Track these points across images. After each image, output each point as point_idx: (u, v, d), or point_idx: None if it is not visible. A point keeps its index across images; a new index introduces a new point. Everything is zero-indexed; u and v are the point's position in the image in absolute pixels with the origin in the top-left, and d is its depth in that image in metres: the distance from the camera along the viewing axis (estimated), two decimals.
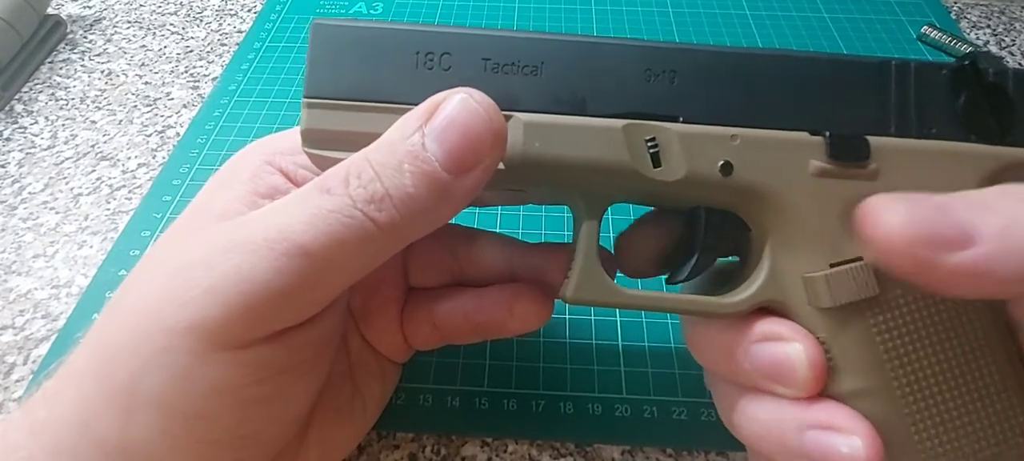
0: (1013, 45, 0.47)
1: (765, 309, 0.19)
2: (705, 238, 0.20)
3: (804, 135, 0.18)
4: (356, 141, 0.17)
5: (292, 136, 0.21)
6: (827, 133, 0.18)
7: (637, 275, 0.22)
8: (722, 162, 0.18)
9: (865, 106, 0.18)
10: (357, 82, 0.18)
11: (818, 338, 0.18)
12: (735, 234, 0.20)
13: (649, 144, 0.18)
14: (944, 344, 0.17)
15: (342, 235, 0.16)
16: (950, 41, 0.44)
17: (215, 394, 0.16)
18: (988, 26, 0.49)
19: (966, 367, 0.17)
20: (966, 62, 0.18)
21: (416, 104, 0.17)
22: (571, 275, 0.19)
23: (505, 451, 0.25)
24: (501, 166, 0.18)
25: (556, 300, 0.23)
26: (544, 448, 0.25)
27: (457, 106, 0.16)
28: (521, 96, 0.18)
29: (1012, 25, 0.49)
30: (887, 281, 0.17)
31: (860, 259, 0.17)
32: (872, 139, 0.18)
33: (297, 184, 0.20)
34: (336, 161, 0.17)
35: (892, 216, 0.14)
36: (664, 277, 0.22)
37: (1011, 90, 0.18)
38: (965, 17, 0.49)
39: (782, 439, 0.17)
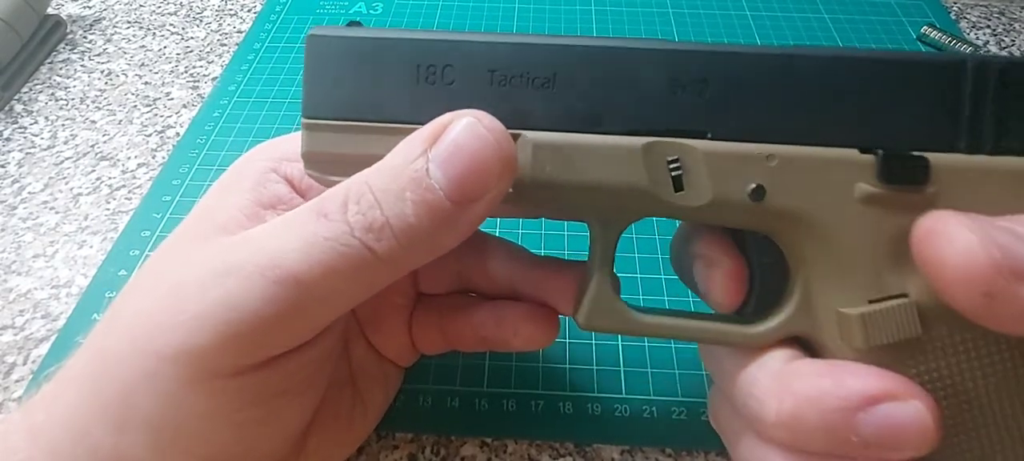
0: (1013, 45, 0.47)
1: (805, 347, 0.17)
2: (758, 259, 0.18)
3: (853, 153, 0.16)
4: (359, 163, 0.16)
5: (298, 141, 0.21)
6: (880, 151, 0.16)
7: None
8: (754, 186, 0.16)
9: (930, 116, 0.16)
10: (356, 100, 0.17)
11: None
12: (776, 254, 0.18)
13: (672, 166, 0.16)
14: (994, 395, 0.15)
15: (337, 265, 0.15)
16: (950, 41, 0.44)
17: (207, 417, 0.16)
18: (988, 26, 0.49)
19: (1011, 421, 0.15)
20: None
21: (419, 123, 0.16)
22: (584, 302, 0.18)
23: (504, 451, 0.25)
24: (507, 188, 0.17)
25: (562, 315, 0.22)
26: (543, 448, 0.25)
27: (464, 131, 0.15)
28: (530, 112, 0.17)
29: (1012, 25, 0.49)
30: (932, 321, 0.15)
31: (905, 296, 0.15)
32: (934, 157, 0.15)
33: (302, 194, 0.20)
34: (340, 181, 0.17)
35: (962, 240, 0.13)
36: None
37: None
38: (965, 17, 0.49)
39: None
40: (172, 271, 0.17)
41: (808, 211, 0.16)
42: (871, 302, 0.16)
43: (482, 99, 0.16)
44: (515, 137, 0.16)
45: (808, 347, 0.17)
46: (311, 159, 0.18)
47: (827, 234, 0.16)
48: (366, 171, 0.16)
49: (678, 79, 0.16)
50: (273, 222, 0.17)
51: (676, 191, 0.16)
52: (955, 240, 0.13)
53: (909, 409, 0.14)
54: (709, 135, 0.16)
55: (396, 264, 0.16)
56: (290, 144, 0.21)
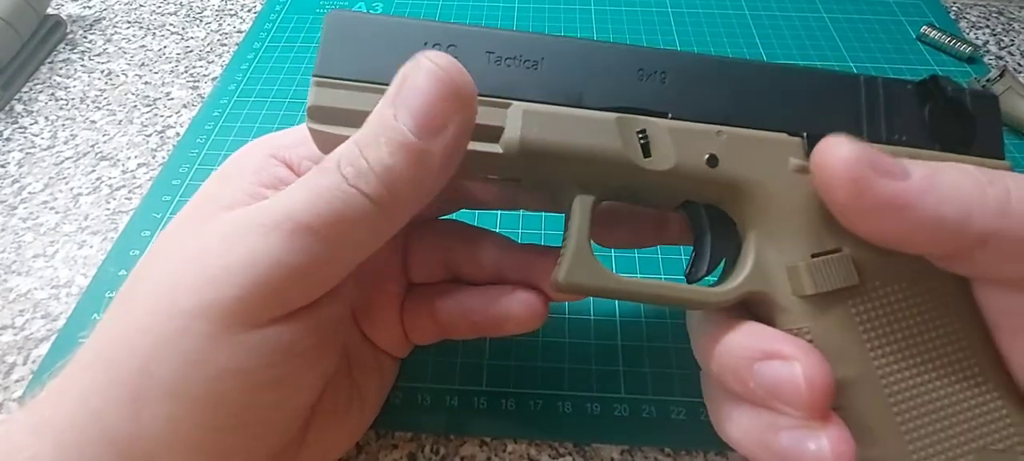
0: (1012, 45, 0.47)
1: (763, 317, 0.19)
2: (712, 230, 0.20)
3: (784, 136, 0.19)
4: (359, 119, 0.18)
5: (295, 132, 0.22)
6: (804, 134, 0.19)
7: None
8: (708, 155, 0.19)
9: (839, 115, 0.20)
10: (365, 65, 0.19)
11: (803, 328, 0.18)
12: (730, 232, 0.20)
13: (640, 136, 0.19)
14: (924, 336, 0.18)
15: (341, 211, 0.17)
16: (950, 41, 0.44)
17: (227, 376, 0.17)
18: (987, 26, 0.49)
19: (947, 361, 0.18)
20: (928, 79, 0.20)
21: None
22: (563, 258, 0.20)
23: (504, 451, 0.25)
24: (499, 149, 0.19)
25: (552, 303, 0.23)
26: (543, 448, 0.25)
27: (418, 73, 0.17)
28: (521, 87, 0.19)
29: (1011, 25, 0.49)
30: (866, 272, 0.18)
31: (840, 250, 0.18)
32: None
33: (301, 175, 0.20)
34: (338, 138, 0.18)
35: (842, 144, 0.16)
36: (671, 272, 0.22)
37: (970, 106, 0.20)
38: (964, 17, 0.49)
39: (762, 442, 0.18)
40: (185, 246, 0.18)
41: (753, 178, 0.19)
42: (813, 257, 0.19)
43: (480, 72, 0.19)
44: (507, 104, 0.19)
45: (766, 306, 0.19)
46: (315, 113, 0.19)
47: (769, 199, 0.19)
48: (354, 133, 0.18)
49: (644, 69, 0.20)
50: (281, 190, 0.18)
51: (645, 157, 0.19)
52: (836, 145, 0.17)
53: (788, 369, 0.17)
54: (669, 115, 0.20)
55: (389, 208, 0.17)
56: (286, 136, 0.22)
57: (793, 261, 0.19)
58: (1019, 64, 0.45)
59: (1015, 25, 0.49)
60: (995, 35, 0.48)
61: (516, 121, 0.19)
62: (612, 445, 0.25)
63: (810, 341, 0.18)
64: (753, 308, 0.20)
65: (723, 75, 0.20)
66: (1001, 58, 0.46)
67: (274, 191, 0.19)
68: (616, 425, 0.26)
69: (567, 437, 0.26)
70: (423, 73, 0.17)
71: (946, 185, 0.16)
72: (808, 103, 0.20)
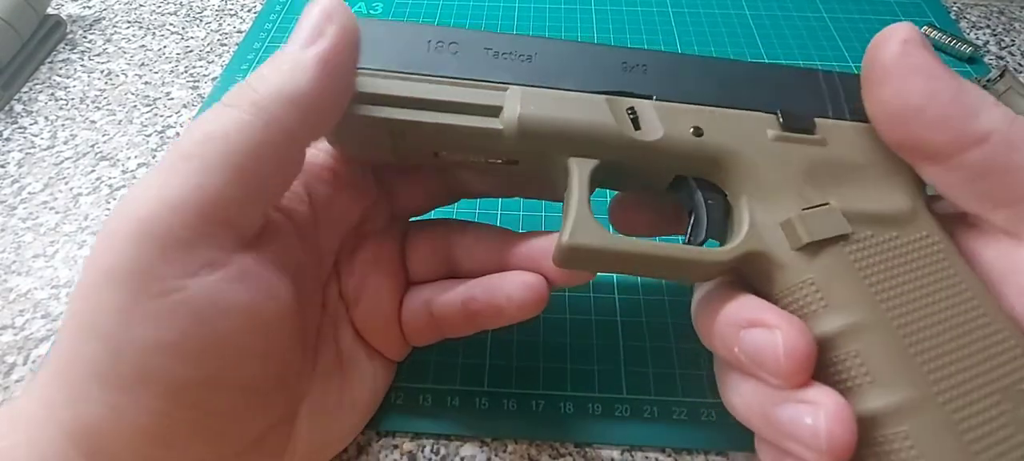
0: (1012, 45, 0.47)
1: (756, 290, 0.20)
2: (705, 198, 0.21)
3: (760, 113, 0.21)
4: (376, 99, 0.20)
5: None
6: (779, 111, 0.21)
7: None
8: (693, 127, 0.21)
9: (806, 99, 0.22)
10: (372, 57, 0.21)
11: (805, 279, 0.19)
12: (721, 203, 0.22)
13: (629, 112, 0.21)
14: (928, 282, 0.19)
15: (219, 129, 0.17)
16: (950, 41, 0.44)
17: (151, 351, 0.16)
18: (987, 26, 0.49)
19: (955, 305, 0.18)
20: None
21: (422, 73, 0.20)
22: (566, 221, 0.20)
23: (504, 451, 0.25)
24: (499, 125, 0.20)
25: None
26: (543, 448, 0.25)
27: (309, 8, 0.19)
28: (517, 75, 0.21)
29: (1012, 25, 0.49)
30: (857, 222, 0.19)
31: (828, 203, 0.20)
32: (817, 120, 0.21)
33: None
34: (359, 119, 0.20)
35: (902, 25, 0.19)
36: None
37: None
38: (965, 17, 0.49)
39: (763, 413, 0.19)
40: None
41: (736, 147, 0.21)
42: (804, 211, 0.20)
43: (478, 64, 0.21)
44: (505, 87, 0.21)
45: (766, 269, 0.20)
46: None
47: (755, 165, 0.20)
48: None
49: (627, 62, 0.22)
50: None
51: (635, 129, 0.21)
52: (897, 25, 0.19)
53: (769, 336, 0.18)
54: (654, 97, 0.21)
55: (266, 115, 0.17)
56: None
57: (786, 216, 0.20)
58: (1020, 64, 0.45)
59: (1016, 25, 0.49)
60: (995, 35, 0.48)
61: (515, 100, 0.20)
62: (613, 445, 0.25)
63: (816, 291, 0.19)
64: (754, 279, 0.21)
65: (700, 68, 0.22)
66: (1002, 58, 0.46)
67: None
68: (617, 425, 0.26)
69: (568, 437, 0.26)
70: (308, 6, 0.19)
71: (968, 83, 0.18)
72: (777, 90, 0.22)
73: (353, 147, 0.23)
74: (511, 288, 0.22)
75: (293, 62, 0.18)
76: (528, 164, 0.22)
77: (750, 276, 0.21)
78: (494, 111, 0.20)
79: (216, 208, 0.17)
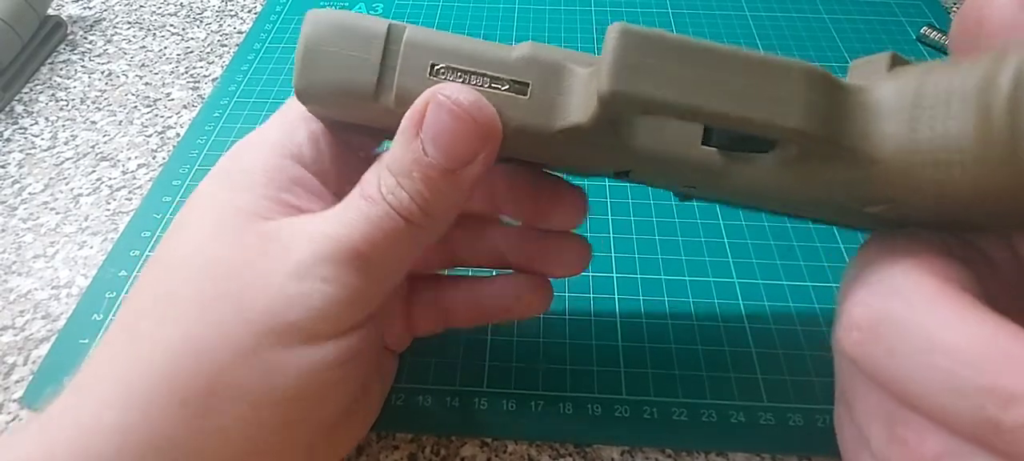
0: None
1: None
2: None
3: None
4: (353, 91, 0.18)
5: (283, 122, 0.21)
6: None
7: None
8: None
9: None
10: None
11: None
12: None
13: None
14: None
15: (392, 240, 0.18)
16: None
17: (296, 382, 0.18)
18: None
19: None
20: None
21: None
22: (600, 68, 0.16)
23: (504, 452, 0.25)
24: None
25: (553, 306, 0.24)
26: (543, 449, 0.25)
27: (441, 111, 0.17)
28: None
29: None
30: None
31: None
32: None
33: (312, 169, 0.21)
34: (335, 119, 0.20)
35: None
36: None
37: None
38: None
39: None
40: (233, 260, 0.18)
41: None
42: None
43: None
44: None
45: None
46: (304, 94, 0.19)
47: None
48: (384, 157, 0.19)
49: None
50: (327, 212, 0.19)
51: None
52: None
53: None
54: None
55: (427, 230, 0.19)
56: (280, 130, 0.21)
57: None
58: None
59: None
60: None
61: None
62: (613, 446, 0.25)
63: None
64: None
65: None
66: None
67: (293, 196, 0.20)
68: (617, 426, 0.26)
69: (568, 438, 0.26)
70: (445, 112, 0.17)
71: None
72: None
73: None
74: (521, 291, 0.24)
75: (452, 185, 0.18)
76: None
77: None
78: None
79: (374, 303, 0.20)
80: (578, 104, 0.17)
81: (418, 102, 0.18)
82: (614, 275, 0.31)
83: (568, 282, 0.30)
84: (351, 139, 0.22)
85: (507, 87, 0.18)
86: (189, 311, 0.17)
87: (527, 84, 0.18)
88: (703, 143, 0.17)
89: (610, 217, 0.33)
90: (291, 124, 0.21)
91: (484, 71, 0.18)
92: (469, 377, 0.27)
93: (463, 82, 0.18)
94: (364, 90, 0.18)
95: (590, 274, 0.31)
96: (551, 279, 0.25)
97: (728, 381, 0.27)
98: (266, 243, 0.18)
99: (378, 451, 0.25)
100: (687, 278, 0.31)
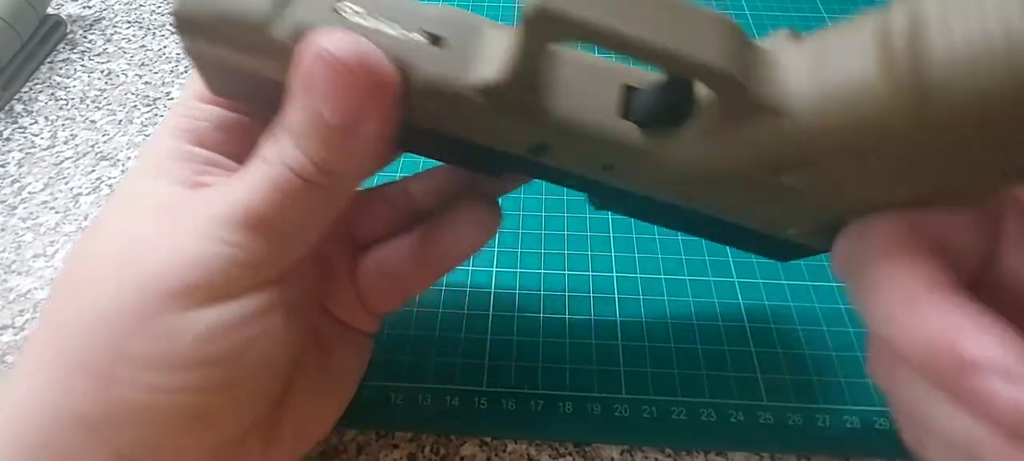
0: None
1: None
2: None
3: None
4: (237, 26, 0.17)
5: (186, 109, 0.21)
6: None
7: None
8: None
9: None
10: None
11: None
12: None
13: None
14: None
15: (293, 202, 0.17)
16: None
17: (202, 342, 0.17)
18: None
19: None
20: None
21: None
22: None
23: (504, 451, 0.25)
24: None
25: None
26: (543, 448, 0.25)
27: (316, 63, 0.16)
28: None
29: None
30: None
31: None
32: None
33: (214, 147, 0.20)
34: (223, 57, 0.18)
35: None
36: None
37: None
38: None
39: None
40: (142, 234, 0.18)
41: None
42: None
43: None
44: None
45: None
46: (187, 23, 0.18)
47: None
48: (281, 116, 0.17)
49: None
50: (225, 177, 0.19)
51: None
52: None
53: None
54: None
55: (334, 186, 0.18)
56: (182, 116, 0.21)
57: None
58: None
59: None
60: None
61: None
62: (613, 445, 0.25)
63: None
64: None
65: None
66: None
67: (206, 177, 0.19)
68: (617, 425, 0.26)
69: (567, 437, 0.26)
70: (323, 64, 0.16)
71: None
72: None
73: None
74: (458, 214, 0.22)
75: (353, 140, 0.17)
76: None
77: None
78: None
79: (278, 266, 0.19)
80: (495, 59, 0.17)
81: (300, 50, 0.16)
82: (614, 275, 0.31)
83: (568, 282, 0.30)
84: (255, 111, 0.21)
85: (420, 37, 0.17)
86: (88, 284, 0.17)
87: (442, 37, 0.17)
88: (622, 116, 0.17)
89: (610, 216, 0.33)
90: (188, 106, 0.20)
91: (395, 18, 0.17)
92: (469, 377, 0.27)
93: (370, 26, 0.16)
94: (254, 16, 0.16)
95: (590, 274, 0.31)
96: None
97: (727, 380, 0.27)
98: (167, 212, 0.18)
99: (378, 450, 0.25)
100: (687, 278, 0.31)
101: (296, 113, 0.17)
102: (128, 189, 0.20)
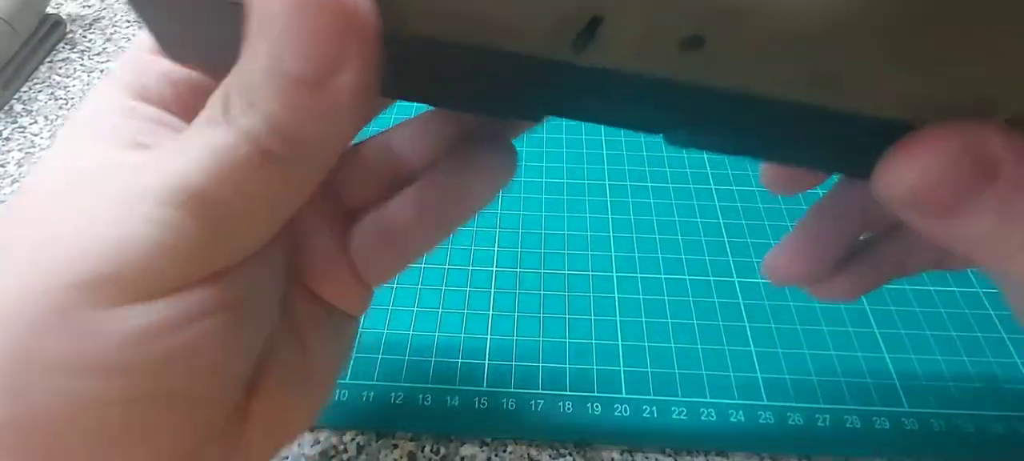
0: None
1: None
2: None
3: None
4: None
5: (137, 61, 0.17)
6: None
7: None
8: None
9: None
10: None
11: None
12: None
13: None
14: None
15: (243, 173, 0.14)
16: None
17: (127, 346, 0.14)
18: None
19: None
20: None
21: None
22: None
23: (504, 451, 0.25)
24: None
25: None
26: (543, 448, 0.25)
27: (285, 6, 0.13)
28: None
29: None
30: None
31: None
32: None
33: (169, 106, 0.17)
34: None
35: None
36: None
37: None
38: None
39: None
40: (60, 215, 0.14)
41: None
42: None
43: None
44: None
45: None
46: None
47: None
48: (234, 69, 0.14)
49: None
50: (165, 145, 0.15)
51: None
52: None
53: None
54: None
55: (300, 159, 0.14)
56: (132, 68, 0.17)
57: None
58: None
59: None
60: None
61: None
62: (613, 445, 0.25)
63: None
64: None
65: None
66: None
67: (151, 137, 0.16)
68: (617, 425, 0.26)
69: (568, 437, 0.26)
70: (291, 7, 0.13)
71: None
72: None
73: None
74: (468, 156, 0.19)
75: (321, 100, 0.13)
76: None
77: None
78: None
79: (231, 251, 0.15)
80: None
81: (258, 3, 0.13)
82: (614, 275, 0.31)
83: (567, 282, 0.30)
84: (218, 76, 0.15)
85: None
86: None
87: None
88: None
89: (610, 216, 0.33)
90: (136, 61, 0.17)
91: None
92: (469, 377, 0.27)
93: None
94: None
95: (590, 274, 0.31)
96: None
97: (727, 380, 0.27)
98: (91, 182, 0.14)
99: (378, 450, 0.25)
100: (687, 278, 0.31)
101: (250, 62, 0.13)
102: (55, 151, 0.16)
